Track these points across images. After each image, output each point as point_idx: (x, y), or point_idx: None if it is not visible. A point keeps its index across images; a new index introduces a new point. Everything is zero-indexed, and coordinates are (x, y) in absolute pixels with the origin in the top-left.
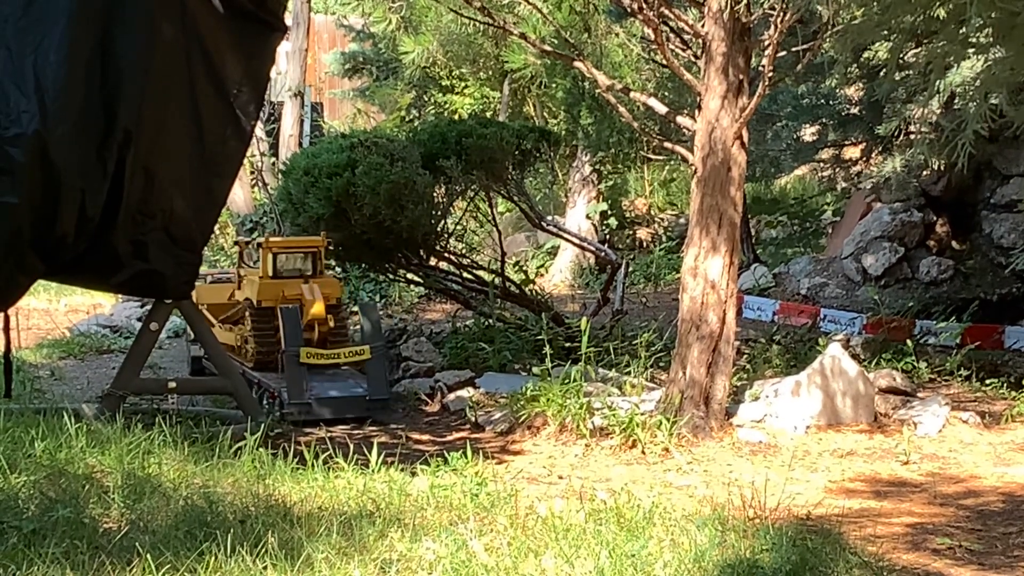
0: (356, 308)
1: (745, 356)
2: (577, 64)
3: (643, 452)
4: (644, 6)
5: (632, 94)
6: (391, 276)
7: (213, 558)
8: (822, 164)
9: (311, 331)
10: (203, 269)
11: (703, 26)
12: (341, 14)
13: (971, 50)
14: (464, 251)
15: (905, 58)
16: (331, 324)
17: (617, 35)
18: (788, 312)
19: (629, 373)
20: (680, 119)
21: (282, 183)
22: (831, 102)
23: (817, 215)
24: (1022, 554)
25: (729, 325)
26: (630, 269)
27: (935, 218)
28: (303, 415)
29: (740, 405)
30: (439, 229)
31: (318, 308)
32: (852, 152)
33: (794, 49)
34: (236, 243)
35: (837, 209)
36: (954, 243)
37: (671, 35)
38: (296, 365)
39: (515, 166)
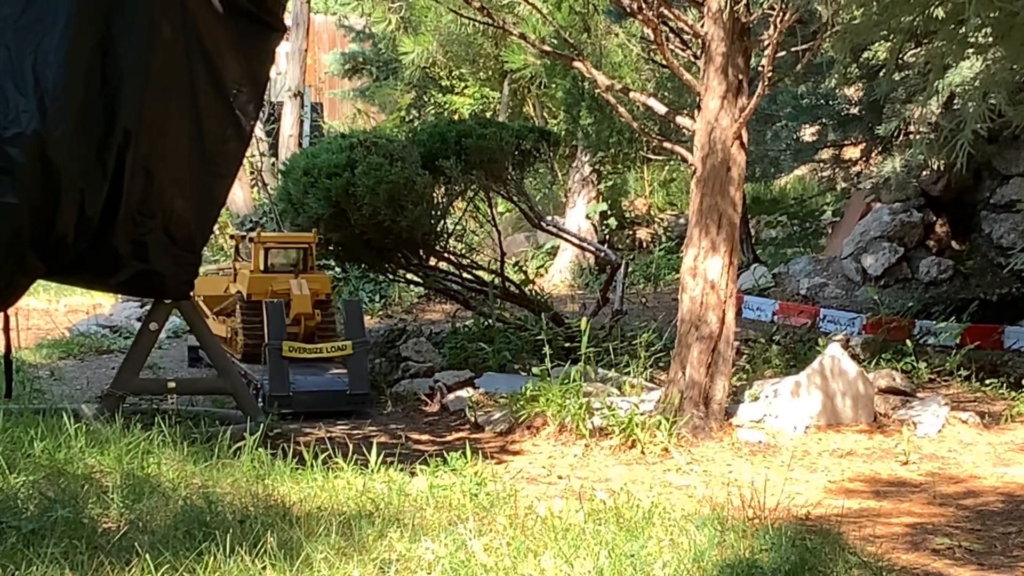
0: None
1: (745, 356)
2: (577, 64)
3: (642, 452)
4: (644, 6)
5: (632, 94)
6: (391, 276)
7: (212, 558)
8: (822, 164)
9: (298, 325)
10: (212, 266)
11: (703, 26)
12: (341, 14)
13: (970, 50)
14: (464, 251)
15: (904, 58)
16: (318, 319)
17: (617, 35)
18: (788, 312)
19: (629, 373)
20: (680, 119)
21: (281, 183)
22: (831, 102)
23: (817, 215)
24: (1022, 554)
25: (729, 325)
26: (630, 269)
27: (935, 218)
28: (284, 407)
29: (740, 405)
30: (439, 229)
31: (303, 303)
32: (852, 152)
33: (793, 49)
34: (232, 237)
35: (837, 209)
36: (954, 243)
37: (671, 35)
38: (279, 358)
39: (515, 166)
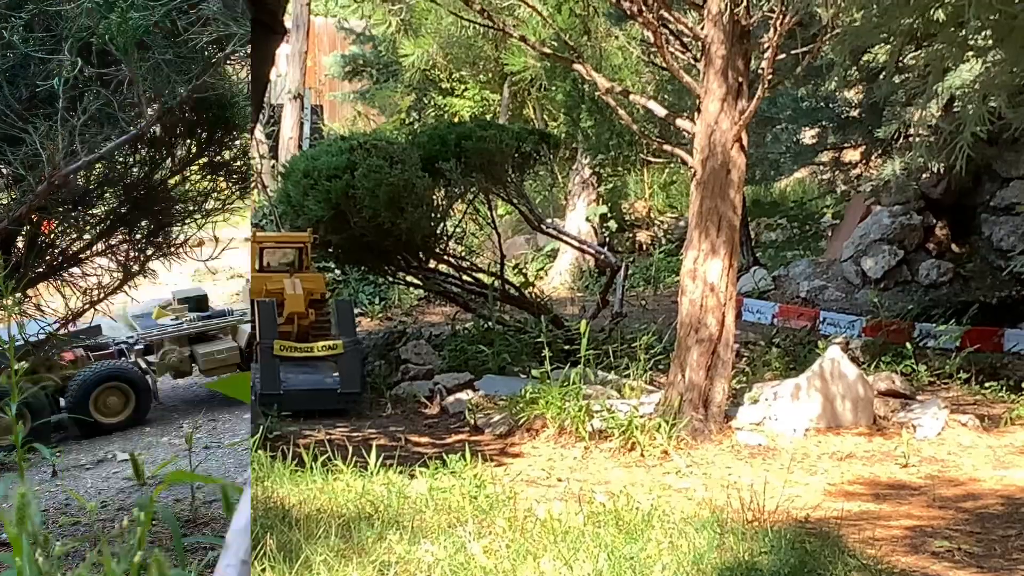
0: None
1: (744, 359)
2: (577, 67)
3: (642, 455)
4: (644, 9)
5: (632, 97)
6: (390, 278)
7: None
8: (822, 167)
9: (291, 324)
10: None
11: (703, 29)
12: (341, 17)
13: (970, 53)
14: (463, 254)
15: (904, 61)
16: (312, 318)
17: (617, 38)
18: (787, 315)
19: (628, 376)
20: (680, 122)
21: (281, 185)
22: (831, 105)
23: (817, 218)
24: (1021, 557)
25: (728, 328)
26: (629, 272)
27: (935, 221)
28: (275, 405)
29: (739, 408)
30: (438, 232)
31: (296, 302)
32: (852, 155)
33: (793, 52)
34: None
35: (837, 212)
36: (954, 246)
37: (671, 38)
38: (270, 357)
39: (515, 169)
